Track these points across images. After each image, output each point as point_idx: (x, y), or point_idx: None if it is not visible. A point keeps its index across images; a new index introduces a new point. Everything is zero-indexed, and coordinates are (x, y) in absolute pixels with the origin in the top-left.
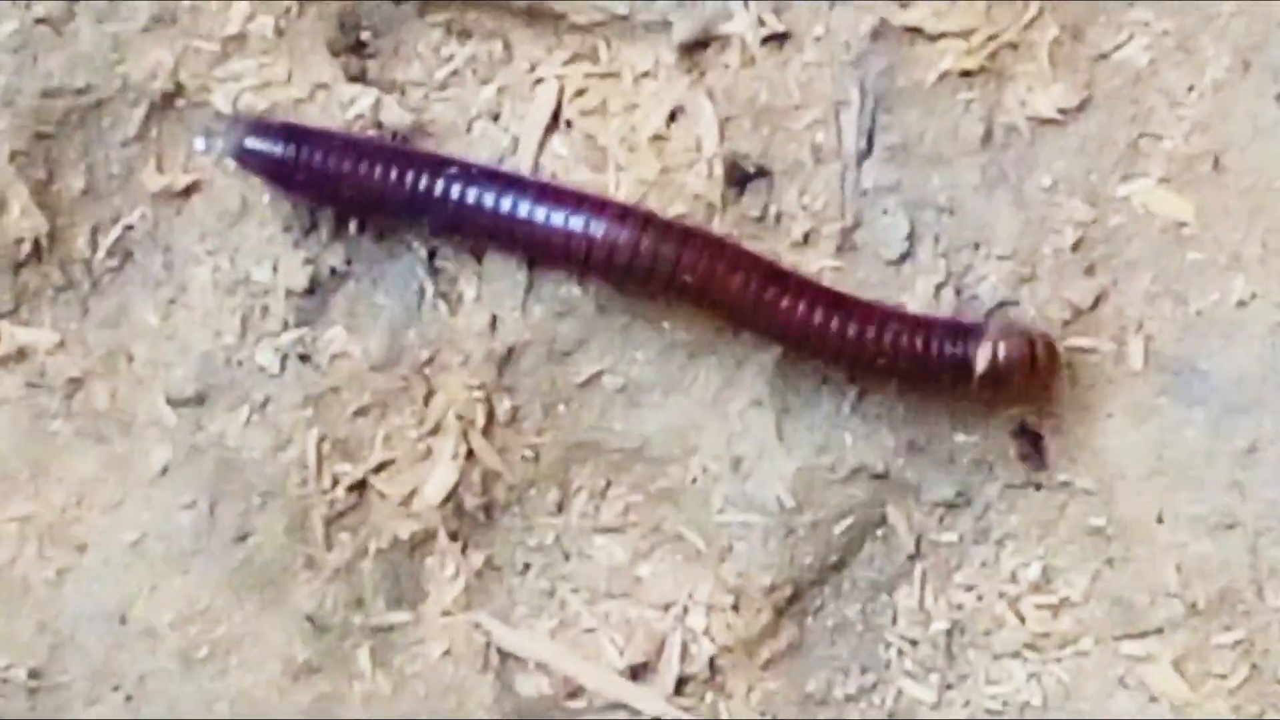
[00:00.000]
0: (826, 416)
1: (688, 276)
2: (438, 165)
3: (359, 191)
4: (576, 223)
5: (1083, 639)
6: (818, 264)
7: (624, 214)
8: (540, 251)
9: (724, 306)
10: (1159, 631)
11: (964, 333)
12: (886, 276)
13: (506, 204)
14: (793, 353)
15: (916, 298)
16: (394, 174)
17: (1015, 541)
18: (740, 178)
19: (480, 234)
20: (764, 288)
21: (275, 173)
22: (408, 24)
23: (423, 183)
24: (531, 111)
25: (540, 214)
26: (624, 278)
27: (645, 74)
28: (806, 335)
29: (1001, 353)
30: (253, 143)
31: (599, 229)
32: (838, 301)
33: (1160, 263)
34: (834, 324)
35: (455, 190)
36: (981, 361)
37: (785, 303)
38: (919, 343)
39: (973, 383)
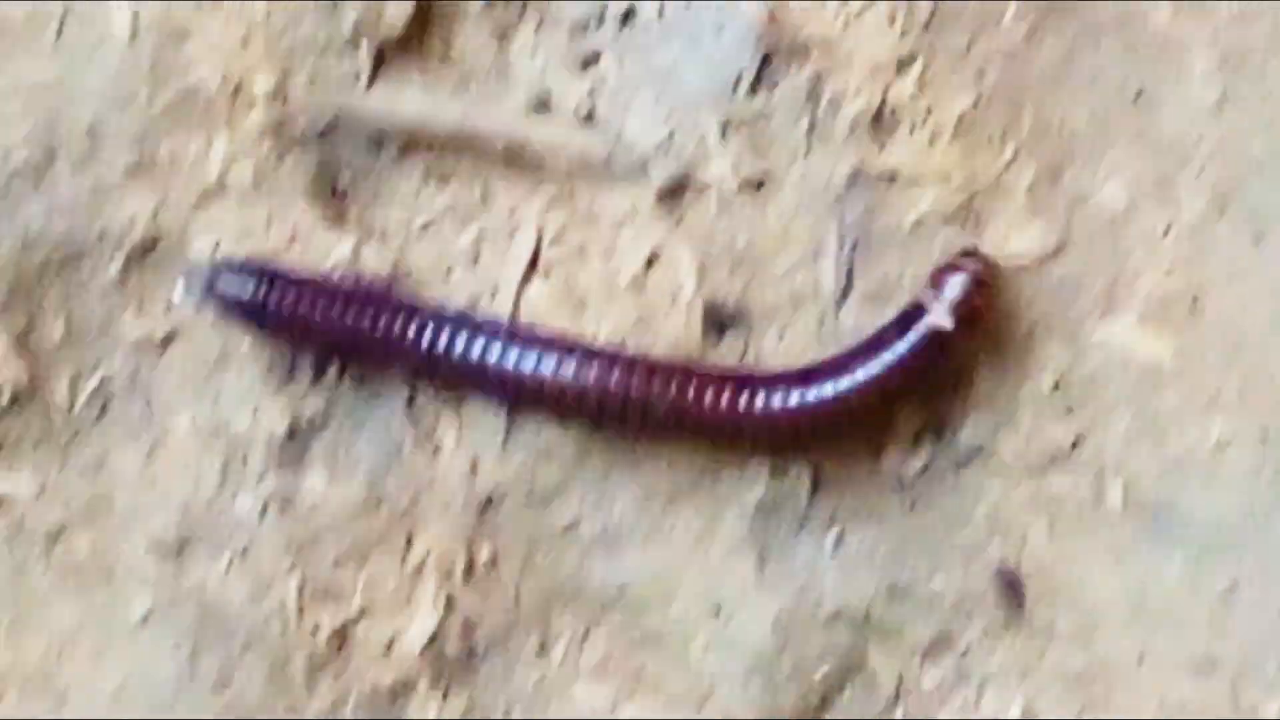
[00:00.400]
0: (807, 560)
1: (664, 414)
2: (412, 308)
3: (332, 332)
4: (547, 367)
5: None
6: None
7: (592, 356)
8: (511, 395)
9: (711, 434)
10: None
11: (914, 315)
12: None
13: (477, 349)
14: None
15: (896, 442)
16: (368, 316)
17: (996, 684)
18: (719, 321)
19: (449, 377)
20: (751, 400)
21: (249, 312)
22: (387, 170)
23: (397, 325)
24: (510, 256)
25: (511, 358)
26: (595, 419)
27: (623, 219)
28: (798, 426)
29: (955, 293)
30: (227, 282)
31: (569, 372)
32: (806, 379)
33: (1138, 404)
34: (822, 402)
35: (428, 334)
36: (946, 317)
37: (775, 408)
38: (892, 359)
39: (958, 337)
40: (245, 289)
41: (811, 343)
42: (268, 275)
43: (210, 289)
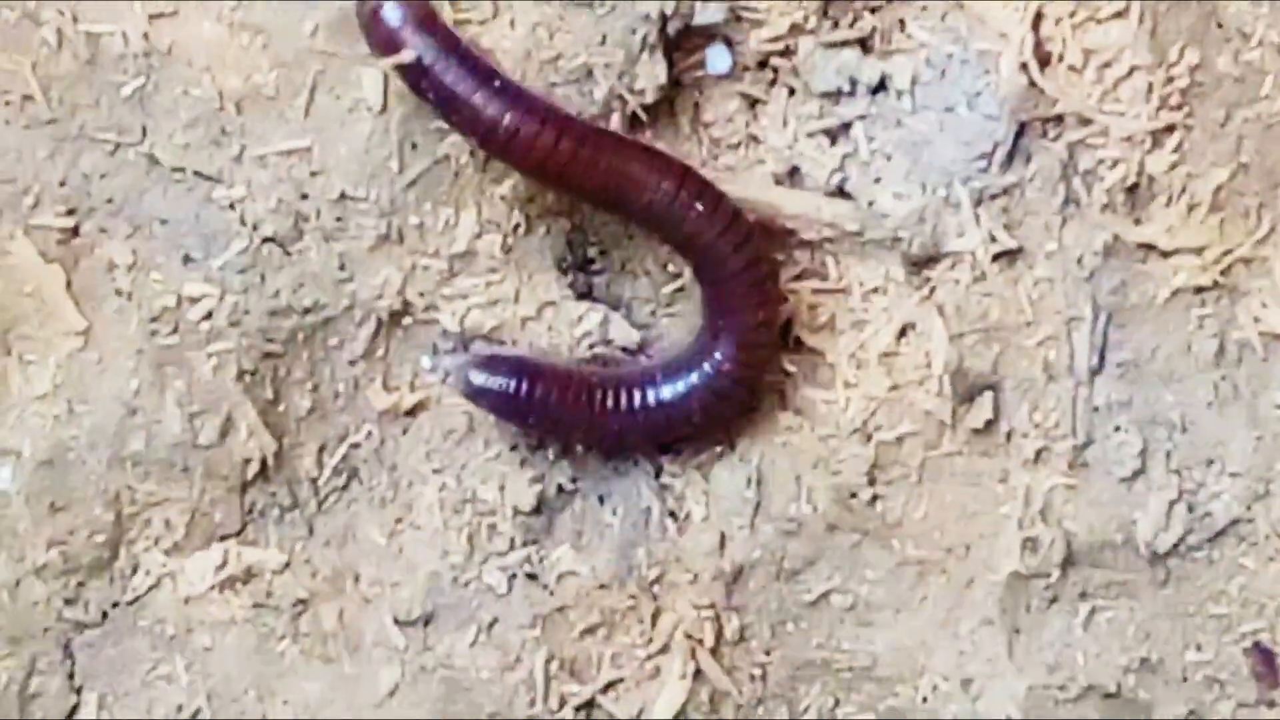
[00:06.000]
0: (1058, 635)
1: None
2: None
3: (579, 428)
4: None
5: None
6: (1049, 481)
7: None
8: None
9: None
10: None
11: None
12: (1119, 494)
13: None
14: None
15: (1149, 515)
16: (615, 412)
17: None
18: (971, 394)
19: None
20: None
21: (504, 408)
22: (635, 240)
23: (639, 420)
24: None
25: None
26: None
27: (874, 290)
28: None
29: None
30: (480, 378)
31: None
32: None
33: None
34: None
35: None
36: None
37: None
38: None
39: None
40: (495, 380)
41: (1064, 417)
42: (518, 365)
43: (460, 380)
